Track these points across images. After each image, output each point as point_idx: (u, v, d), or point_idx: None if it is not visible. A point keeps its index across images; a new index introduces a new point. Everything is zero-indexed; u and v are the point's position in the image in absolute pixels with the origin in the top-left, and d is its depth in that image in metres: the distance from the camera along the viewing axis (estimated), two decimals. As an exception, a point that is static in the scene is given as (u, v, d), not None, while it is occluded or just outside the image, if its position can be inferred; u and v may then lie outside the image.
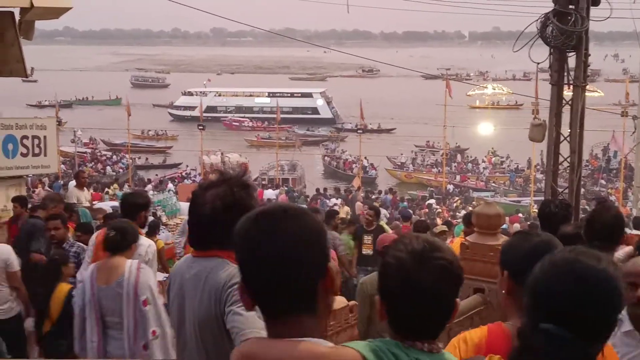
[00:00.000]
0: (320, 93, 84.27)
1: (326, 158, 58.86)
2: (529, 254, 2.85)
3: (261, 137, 67.31)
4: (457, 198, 44.06)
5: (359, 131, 60.48)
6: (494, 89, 77.26)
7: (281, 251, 1.91)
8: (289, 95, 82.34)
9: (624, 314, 3.58)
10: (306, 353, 1.93)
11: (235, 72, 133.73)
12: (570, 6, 8.75)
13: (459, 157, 59.55)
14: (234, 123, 76.92)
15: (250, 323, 3.08)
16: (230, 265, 3.27)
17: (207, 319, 3.24)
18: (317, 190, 44.14)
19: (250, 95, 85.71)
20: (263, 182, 46.12)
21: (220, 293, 3.21)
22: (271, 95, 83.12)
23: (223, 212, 3.29)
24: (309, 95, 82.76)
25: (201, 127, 51.64)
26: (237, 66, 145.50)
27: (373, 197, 44.26)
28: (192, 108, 78.96)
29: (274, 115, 73.35)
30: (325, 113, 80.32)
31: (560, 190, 9.85)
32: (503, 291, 3.07)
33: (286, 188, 43.75)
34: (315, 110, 79.50)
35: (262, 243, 1.94)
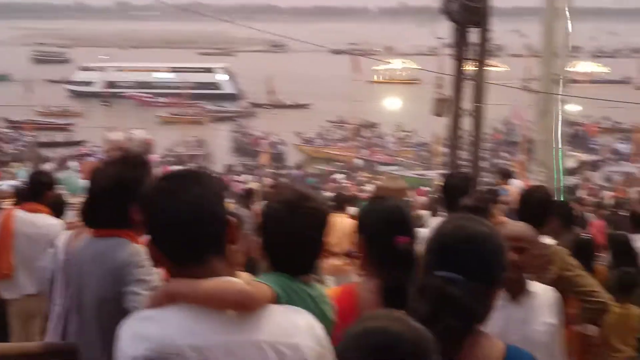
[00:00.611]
0: (223, 68, 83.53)
1: (236, 134, 58.50)
2: (381, 219, 3.25)
3: (173, 113, 65.99)
4: (364, 172, 44.51)
5: (267, 107, 60.56)
6: (404, 64, 78.23)
7: (190, 204, 2.21)
8: (190, 70, 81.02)
9: None
10: (230, 286, 2.24)
11: (142, 47, 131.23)
12: (471, -18, 8.90)
13: (367, 132, 59.91)
14: (145, 99, 75.04)
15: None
16: (130, 244, 3.24)
17: (107, 299, 3.21)
18: (226, 166, 44.14)
19: (151, 71, 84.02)
20: (170, 159, 45.74)
21: (120, 273, 3.19)
22: (172, 70, 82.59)
23: (119, 191, 3.27)
24: (210, 70, 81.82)
25: (106, 103, 50.77)
26: (144, 41, 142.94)
27: (282, 172, 44.43)
28: (90, 84, 78.02)
29: (175, 91, 74.60)
30: (228, 88, 79.52)
31: (462, 163, 10.02)
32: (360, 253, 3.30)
33: (194, 165, 43.46)
34: (217, 86, 78.52)
35: (174, 199, 2.22)
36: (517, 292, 3.73)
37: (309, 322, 2.43)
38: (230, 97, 77.73)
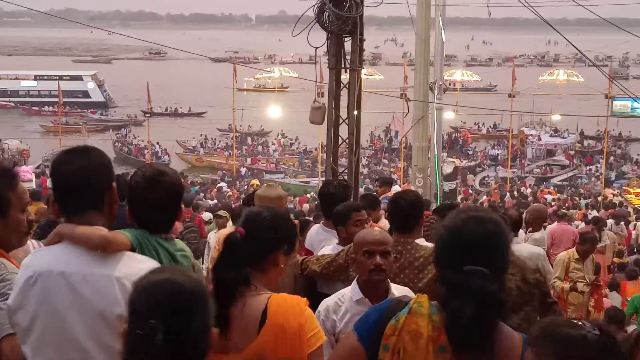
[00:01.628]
0: (92, 76, 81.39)
1: (117, 144, 57.51)
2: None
3: (57, 122, 64.29)
4: (247, 180, 44.55)
5: (147, 115, 59.81)
6: (284, 72, 78.61)
7: (74, 172, 2.98)
8: (57, 78, 76.18)
9: (354, 284, 4.05)
10: (98, 231, 2.99)
11: (13, 54, 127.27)
12: (346, -9, 8.97)
13: (249, 139, 59.96)
14: (33, 108, 73.55)
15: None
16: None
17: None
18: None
19: (16, 79, 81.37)
20: (45, 169, 44.67)
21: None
22: (38, 78, 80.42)
23: None
24: (79, 78, 79.50)
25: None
26: (15, 47, 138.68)
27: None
28: None
29: (41, 99, 74.94)
30: (97, 96, 78.03)
31: (340, 171, 10.09)
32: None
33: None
34: (86, 94, 76.70)
35: (64, 168, 3.04)
36: (381, 295, 3.81)
37: (150, 267, 2.80)
38: (100, 105, 76.69)
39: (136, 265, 2.92)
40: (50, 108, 69.56)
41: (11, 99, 77.01)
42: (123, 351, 2.21)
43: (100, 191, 3.09)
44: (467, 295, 2.48)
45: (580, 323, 2.12)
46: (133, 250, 3.16)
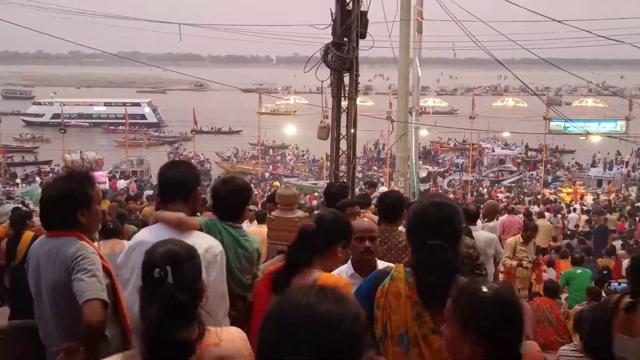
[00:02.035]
0: (148, 103, 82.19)
1: (170, 155, 57.57)
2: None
3: (128, 138, 64.70)
4: (270, 182, 44.60)
5: (193, 132, 59.97)
6: (297, 100, 78.89)
7: (177, 174, 3.55)
8: (121, 104, 78.18)
9: (349, 262, 4.07)
10: (175, 215, 3.47)
11: (90, 87, 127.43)
12: (345, 39, 8.95)
13: (270, 151, 60.08)
14: (111, 127, 73.63)
15: (91, 286, 3.01)
16: (77, 242, 3.17)
17: (59, 286, 3.12)
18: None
19: (90, 105, 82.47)
20: (116, 174, 44.85)
21: (68, 264, 3.09)
22: (107, 104, 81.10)
23: (64, 200, 3.23)
24: (137, 104, 79.99)
25: (62, 131, 49.43)
26: (92, 81, 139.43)
27: (207, 184, 43.90)
28: (41, 115, 76.36)
29: (109, 121, 76.45)
30: (152, 118, 78.41)
31: (340, 175, 10.07)
32: None
33: (135, 178, 42.56)
34: (143, 116, 76.95)
35: (170, 169, 3.61)
36: (369, 270, 3.71)
37: (209, 244, 3.40)
38: (154, 125, 76.87)
39: (198, 240, 3.19)
40: (121, 127, 69.50)
41: (86, 121, 77.66)
42: (145, 296, 2.21)
43: (188, 191, 3.56)
44: (431, 263, 2.63)
45: (484, 286, 2.18)
46: (201, 230, 3.56)
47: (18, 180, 36.26)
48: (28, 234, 6.97)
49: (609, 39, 16.90)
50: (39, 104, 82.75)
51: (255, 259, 3.96)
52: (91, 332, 2.96)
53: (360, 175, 41.25)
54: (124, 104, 78.98)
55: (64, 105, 77.78)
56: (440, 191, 38.39)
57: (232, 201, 3.92)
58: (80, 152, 49.47)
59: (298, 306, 1.52)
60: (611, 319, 3.98)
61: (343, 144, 9.98)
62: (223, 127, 75.59)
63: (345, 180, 9.69)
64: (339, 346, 1.45)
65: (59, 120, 68.25)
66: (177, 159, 54.69)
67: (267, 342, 1.53)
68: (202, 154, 55.64)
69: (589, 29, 15.29)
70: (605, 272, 11.57)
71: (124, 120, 68.97)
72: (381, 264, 3.88)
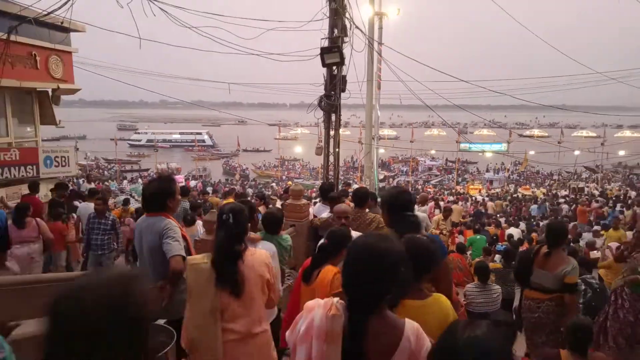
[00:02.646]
0: (206, 132, 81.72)
1: (224, 165, 57.34)
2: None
3: (198, 156, 64.55)
4: (285, 182, 44.57)
5: (237, 151, 59.85)
6: (302, 131, 78.95)
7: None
8: (189, 133, 79.24)
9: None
10: (251, 235, 3.47)
11: (174, 122, 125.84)
12: (332, 92, 8.96)
13: (286, 163, 59.96)
14: (187, 148, 72.45)
15: (175, 247, 3.03)
16: (165, 219, 3.20)
17: (155, 246, 3.15)
18: (220, 180, 43.40)
19: (170, 133, 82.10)
20: (190, 176, 44.68)
21: (161, 232, 3.14)
22: (181, 133, 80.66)
23: (158, 193, 3.27)
24: (199, 133, 79.55)
25: (156, 150, 49.57)
26: (174, 119, 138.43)
27: (246, 183, 43.83)
28: (139, 140, 75.69)
29: (182, 144, 75.45)
30: (208, 142, 77.49)
31: (329, 177, 10.05)
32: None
33: (202, 180, 42.38)
34: (202, 141, 75.61)
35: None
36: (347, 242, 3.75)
37: (270, 247, 3.40)
38: (211, 146, 75.86)
39: (265, 246, 3.40)
40: (193, 148, 68.71)
41: (168, 143, 76.26)
42: (218, 229, 2.52)
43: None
44: (406, 225, 2.76)
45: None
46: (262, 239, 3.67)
47: (125, 182, 35.91)
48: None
49: (496, 92, 16.96)
50: (138, 133, 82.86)
51: (288, 250, 4.11)
52: (176, 274, 3.01)
53: (342, 177, 41.19)
54: (192, 133, 79.32)
55: (154, 134, 78.05)
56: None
57: (271, 223, 3.92)
58: (167, 163, 49.25)
59: (365, 244, 1.60)
60: (532, 259, 4.22)
61: (331, 158, 10.00)
62: (258, 147, 75.12)
63: (332, 181, 9.69)
64: (390, 268, 1.52)
65: (151, 144, 68.27)
66: (227, 167, 55.23)
67: (346, 269, 1.60)
68: (244, 164, 55.59)
69: (485, 86, 15.35)
70: (495, 237, 11.63)
71: (191, 144, 69.20)
72: (354, 234, 3.88)
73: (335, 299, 1.64)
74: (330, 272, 2.80)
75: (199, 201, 11.16)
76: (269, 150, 72.26)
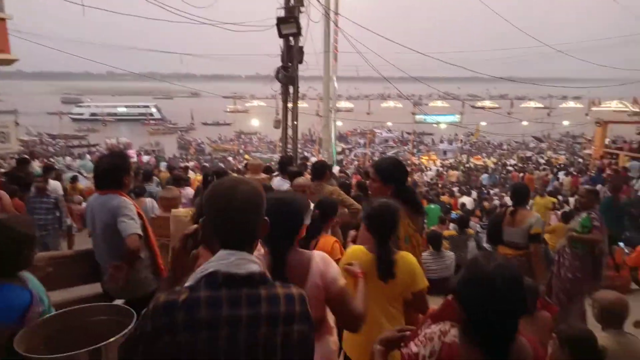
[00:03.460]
0: (154, 105, 75.84)
1: (179, 140, 55.64)
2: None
3: (153, 129, 61.38)
4: (242, 156, 43.85)
5: (192, 124, 58.27)
6: (259, 104, 77.60)
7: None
8: (136, 106, 74.69)
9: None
10: None
11: (123, 95, 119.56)
12: (289, 64, 8.82)
13: (242, 136, 58.85)
14: (146, 122, 66.92)
15: (130, 225, 2.94)
16: (119, 197, 3.09)
17: (108, 224, 3.03)
18: (174, 154, 42.21)
19: (115, 107, 75.26)
20: (143, 151, 43.11)
21: (115, 210, 3.02)
22: (127, 106, 75.36)
23: (109, 170, 3.14)
24: (147, 106, 74.28)
25: (104, 125, 47.42)
26: (124, 92, 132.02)
27: (201, 157, 42.91)
28: (82, 114, 70.07)
29: (128, 117, 70.38)
30: (157, 115, 72.05)
31: (288, 150, 10.01)
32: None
33: (155, 155, 41.01)
34: (151, 114, 70.64)
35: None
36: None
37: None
38: (160, 120, 70.87)
39: None
40: (151, 121, 65.35)
41: (113, 117, 70.85)
42: (202, 191, 2.48)
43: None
44: (411, 194, 3.06)
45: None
46: None
47: (68, 159, 33.89)
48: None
49: (451, 64, 17.25)
50: (81, 106, 77.00)
51: None
52: (132, 254, 2.93)
53: (300, 150, 41.07)
54: (138, 106, 75.11)
55: (97, 107, 73.61)
56: (349, 160, 38.65)
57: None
58: (117, 138, 47.20)
59: (277, 198, 1.95)
60: (501, 219, 4.64)
61: (290, 131, 9.92)
62: (218, 121, 72.47)
63: (291, 154, 9.65)
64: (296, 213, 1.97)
65: (95, 118, 64.80)
66: (182, 142, 53.71)
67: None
68: (199, 138, 54.11)
69: (439, 58, 15.56)
70: (449, 206, 12.02)
71: (138, 117, 66.24)
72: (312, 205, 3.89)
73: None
74: (328, 242, 3.07)
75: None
76: (229, 123, 70.35)
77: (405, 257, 2.42)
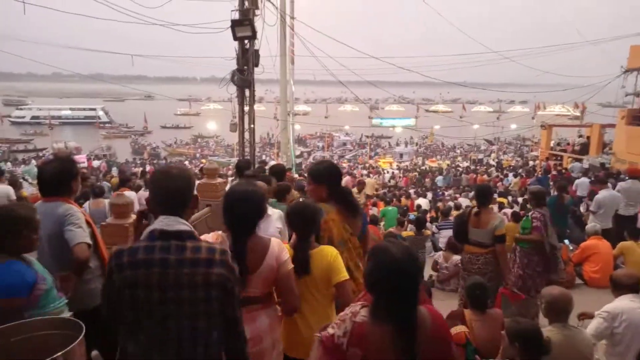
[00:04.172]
0: (102, 108, 72.94)
1: (132, 144, 53.78)
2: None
3: (108, 133, 59.59)
4: (199, 160, 42.98)
5: (145, 128, 56.59)
6: (214, 107, 76.32)
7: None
8: (82, 109, 71.73)
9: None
10: None
11: (70, 97, 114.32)
12: (245, 67, 8.74)
13: (199, 140, 57.75)
14: (100, 125, 65.50)
15: (79, 234, 2.82)
16: (66, 204, 2.95)
17: (54, 233, 2.88)
18: (126, 159, 40.75)
19: (59, 110, 71.05)
20: (93, 156, 41.38)
21: (62, 218, 2.88)
22: (71, 109, 71.91)
23: (55, 176, 2.99)
24: (94, 109, 71.61)
25: (51, 128, 45.13)
26: (71, 94, 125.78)
27: (156, 161, 41.70)
28: (23, 117, 66.81)
29: (74, 120, 67.73)
30: (104, 119, 69.13)
31: (245, 154, 9.92)
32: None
33: (106, 160, 39.48)
34: (98, 117, 68.46)
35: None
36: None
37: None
38: (107, 124, 67.65)
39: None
40: (106, 125, 63.03)
41: (57, 121, 65.99)
42: None
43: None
44: (344, 195, 3.10)
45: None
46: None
47: (9, 164, 31.88)
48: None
49: (406, 69, 17.67)
50: (21, 109, 72.39)
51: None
52: (80, 264, 2.81)
53: (258, 154, 40.77)
54: (84, 109, 71.88)
55: (40, 110, 69.59)
56: (308, 163, 38.74)
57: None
58: (64, 142, 45.05)
59: (239, 190, 2.33)
60: (467, 220, 4.75)
61: (247, 135, 9.82)
62: (166, 124, 70.22)
63: (249, 158, 9.56)
64: (258, 204, 2.30)
65: (37, 121, 61.50)
66: (136, 145, 51.96)
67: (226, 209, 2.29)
68: (154, 142, 52.55)
69: (394, 63, 15.90)
70: (405, 208, 12.28)
71: (84, 120, 63.55)
72: (272, 211, 3.84)
73: (220, 232, 2.34)
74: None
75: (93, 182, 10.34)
76: (189, 127, 68.46)
77: (322, 252, 2.48)
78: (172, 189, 1.81)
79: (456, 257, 6.58)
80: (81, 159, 30.71)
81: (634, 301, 3.39)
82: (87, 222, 3.02)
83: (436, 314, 1.75)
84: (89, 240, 2.87)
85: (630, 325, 3.27)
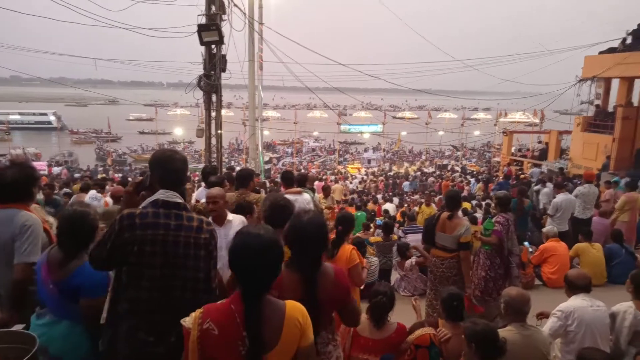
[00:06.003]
0: (53, 113, 69.53)
1: (97, 150, 52.05)
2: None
3: (78, 138, 58.11)
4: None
5: (109, 134, 54.96)
6: (181, 112, 74.78)
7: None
8: (32, 114, 68.55)
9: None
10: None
11: (30, 102, 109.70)
12: (212, 72, 8.66)
13: (165, 145, 56.34)
14: (71, 131, 63.09)
15: (26, 253, 2.74)
16: (24, 212, 2.84)
17: (8, 242, 2.76)
18: (88, 166, 39.43)
19: (7, 114, 63.42)
20: (54, 162, 39.88)
21: (16, 228, 2.77)
22: (20, 114, 68.27)
23: (20, 181, 2.93)
24: (45, 114, 68.45)
25: (7, 134, 43.21)
26: (31, 98, 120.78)
27: (124, 168, 40.52)
28: None
29: (23, 126, 64.20)
30: (56, 124, 65.05)
31: (212, 160, 9.79)
32: None
33: (67, 166, 38.10)
34: (50, 122, 65.68)
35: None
36: (222, 221, 3.67)
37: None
38: (58, 130, 63.06)
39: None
40: (72, 130, 60.51)
41: (4, 126, 61.72)
42: None
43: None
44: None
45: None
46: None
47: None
48: None
49: (373, 76, 17.90)
50: None
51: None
52: (17, 285, 2.69)
53: (226, 160, 40.28)
54: (34, 113, 68.59)
55: None
56: (277, 169, 38.61)
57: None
58: (23, 148, 43.22)
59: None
60: (435, 224, 4.81)
61: (214, 140, 9.70)
62: (131, 131, 68.53)
63: (216, 164, 9.44)
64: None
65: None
66: (101, 152, 50.32)
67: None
68: (120, 149, 51.07)
69: (361, 70, 16.09)
70: (373, 213, 12.40)
71: (33, 125, 61.25)
72: (232, 217, 3.79)
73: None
74: (347, 249, 3.53)
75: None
76: (168, 132, 66.66)
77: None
78: (172, 169, 2.27)
79: (408, 262, 6.70)
80: (41, 165, 29.57)
81: (586, 300, 3.53)
82: (46, 230, 2.92)
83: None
84: (35, 260, 2.73)
85: (581, 323, 3.41)
